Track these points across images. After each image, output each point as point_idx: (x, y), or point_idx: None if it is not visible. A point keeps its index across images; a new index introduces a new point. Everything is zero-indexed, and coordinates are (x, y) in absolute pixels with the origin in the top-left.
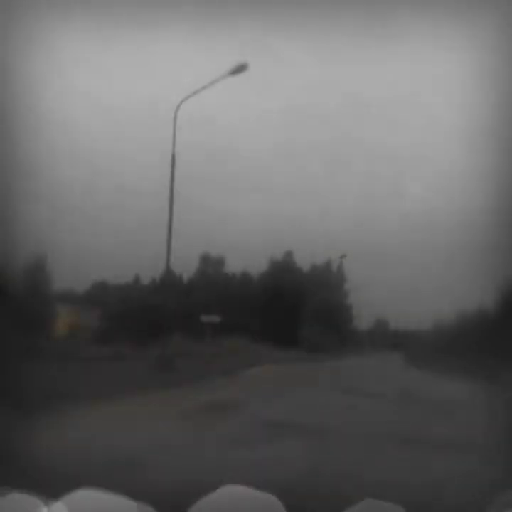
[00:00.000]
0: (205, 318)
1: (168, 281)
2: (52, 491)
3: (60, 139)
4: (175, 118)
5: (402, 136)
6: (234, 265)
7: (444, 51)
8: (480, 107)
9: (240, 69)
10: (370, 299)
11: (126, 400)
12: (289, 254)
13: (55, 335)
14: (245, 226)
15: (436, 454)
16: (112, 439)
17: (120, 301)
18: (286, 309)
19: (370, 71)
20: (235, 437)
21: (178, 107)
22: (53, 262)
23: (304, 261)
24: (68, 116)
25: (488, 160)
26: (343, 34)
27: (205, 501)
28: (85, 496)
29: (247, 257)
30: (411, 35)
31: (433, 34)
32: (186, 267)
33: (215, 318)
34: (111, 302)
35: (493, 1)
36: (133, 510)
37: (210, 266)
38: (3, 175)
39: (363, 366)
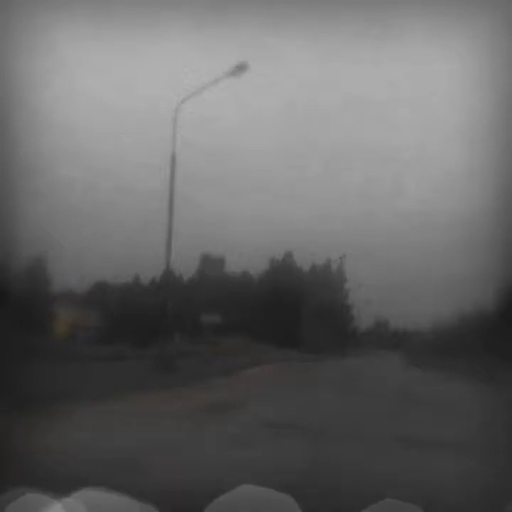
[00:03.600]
0: (205, 318)
1: (168, 281)
2: (53, 491)
3: (60, 139)
4: (175, 118)
5: (401, 135)
6: (234, 265)
7: (444, 51)
8: (480, 107)
9: (240, 69)
10: (370, 299)
11: (126, 400)
12: (289, 255)
13: (55, 335)
14: (245, 226)
15: (436, 454)
16: (112, 439)
17: (120, 301)
18: (286, 309)
19: (369, 71)
20: (235, 438)
21: (178, 107)
22: (53, 262)
23: (304, 261)
24: (68, 117)
25: (488, 160)
26: (343, 34)
27: (221, 501)
28: (90, 495)
29: (247, 256)
30: (411, 36)
31: (433, 34)
32: (186, 267)
33: (215, 319)
34: (111, 302)
35: (493, 1)
36: (136, 510)
37: (210, 266)
38: (3, 175)
39: (363, 366)
